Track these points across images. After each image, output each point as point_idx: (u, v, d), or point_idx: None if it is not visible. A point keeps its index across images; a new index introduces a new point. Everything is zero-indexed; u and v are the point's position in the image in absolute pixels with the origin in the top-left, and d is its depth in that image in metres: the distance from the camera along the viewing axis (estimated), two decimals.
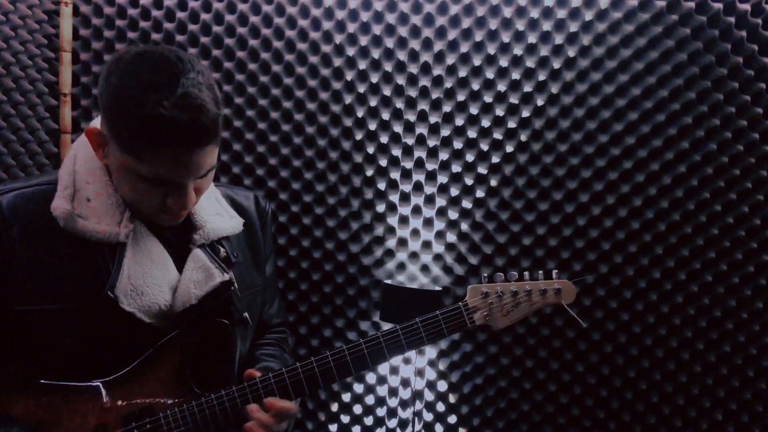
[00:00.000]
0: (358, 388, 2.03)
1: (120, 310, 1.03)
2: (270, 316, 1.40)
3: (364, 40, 1.86)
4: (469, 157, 1.88)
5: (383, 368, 2.02)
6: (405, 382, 2.01)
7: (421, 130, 1.89)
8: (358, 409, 2.05)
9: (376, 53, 1.86)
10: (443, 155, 1.89)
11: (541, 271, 1.23)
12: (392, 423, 2.04)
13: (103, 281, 1.03)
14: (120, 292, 1.03)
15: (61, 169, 1.09)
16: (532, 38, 1.80)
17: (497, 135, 1.86)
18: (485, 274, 1.22)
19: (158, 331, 1.08)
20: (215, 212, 1.20)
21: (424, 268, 1.96)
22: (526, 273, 1.22)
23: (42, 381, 1.04)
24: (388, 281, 1.92)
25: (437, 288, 1.92)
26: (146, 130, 0.92)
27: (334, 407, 2.06)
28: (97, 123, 1.06)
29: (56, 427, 1.03)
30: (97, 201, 1.05)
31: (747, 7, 1.68)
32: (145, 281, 1.07)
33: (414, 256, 1.96)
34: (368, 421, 2.05)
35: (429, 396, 2.00)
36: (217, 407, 1.09)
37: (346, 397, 2.05)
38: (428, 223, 1.94)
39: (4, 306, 1.01)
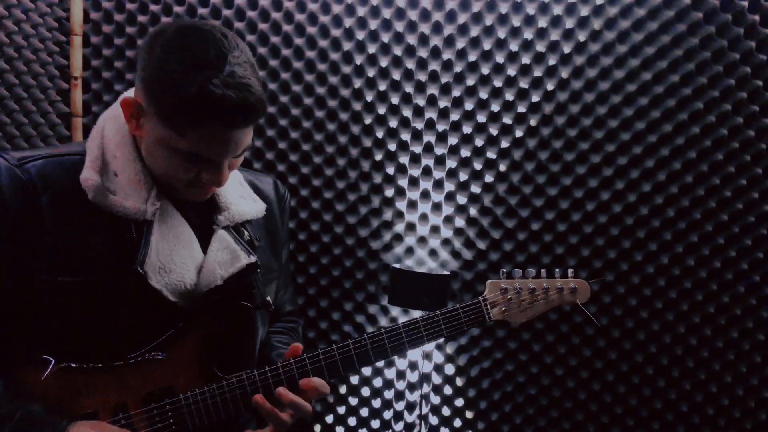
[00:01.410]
0: (366, 371, 2.05)
1: (147, 287, 1.03)
2: (283, 303, 1.40)
3: (374, 24, 1.86)
4: (479, 142, 1.88)
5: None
6: (413, 366, 2.03)
7: (431, 114, 1.89)
8: (366, 391, 2.07)
9: (386, 37, 1.86)
10: (452, 140, 1.89)
11: (558, 270, 1.24)
12: (399, 405, 2.06)
13: (130, 257, 1.03)
14: (149, 268, 1.03)
15: (89, 140, 1.08)
16: (542, 22, 1.79)
17: (507, 120, 1.86)
18: (503, 271, 1.23)
19: (181, 311, 1.08)
20: (239, 195, 1.21)
21: (432, 253, 1.97)
22: (543, 270, 1.24)
23: (61, 358, 1.03)
24: (397, 265, 1.93)
25: (445, 272, 1.93)
26: (193, 107, 0.92)
27: (342, 389, 2.08)
28: (131, 93, 1.05)
29: (76, 404, 1.03)
30: (125, 176, 1.05)
31: None
32: (173, 259, 1.07)
33: (422, 240, 1.97)
34: (376, 403, 2.07)
35: (437, 379, 2.02)
36: (238, 390, 1.09)
37: (354, 379, 2.07)
38: (437, 207, 1.95)
39: (30, 274, 1.00)
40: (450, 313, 1.19)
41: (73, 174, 1.03)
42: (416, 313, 1.95)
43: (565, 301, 1.24)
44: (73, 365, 1.03)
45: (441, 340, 1.22)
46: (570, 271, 1.25)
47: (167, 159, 1.01)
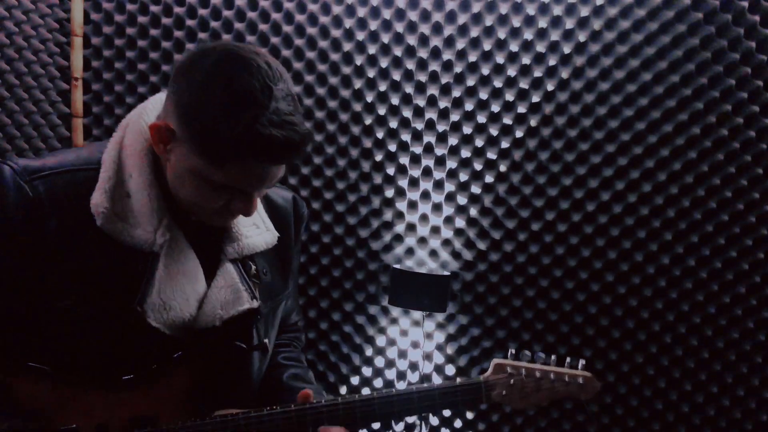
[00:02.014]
0: (367, 371, 2.05)
1: (144, 323, 1.02)
2: (288, 315, 1.38)
3: (374, 25, 1.86)
4: (479, 143, 1.88)
5: (392, 352, 2.03)
6: (413, 366, 2.03)
7: (431, 115, 1.89)
8: (366, 392, 2.07)
9: (386, 38, 1.86)
10: (452, 140, 1.89)
11: (568, 359, 1.17)
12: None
13: (132, 290, 1.00)
14: (148, 307, 1.01)
15: (105, 153, 1.02)
16: (542, 23, 1.79)
17: (507, 120, 1.86)
18: (512, 351, 1.17)
19: (176, 342, 1.07)
20: (252, 222, 1.15)
21: (433, 253, 1.97)
22: (553, 357, 1.16)
23: (52, 371, 1.02)
24: (397, 266, 1.93)
25: (445, 273, 1.93)
26: (237, 144, 0.88)
27: (343, 390, 2.08)
28: (156, 113, 1.01)
29: (60, 417, 1.02)
30: (137, 200, 1.00)
31: None
32: (174, 295, 1.04)
33: (422, 241, 1.97)
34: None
35: (437, 380, 2.02)
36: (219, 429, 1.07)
37: (355, 380, 2.07)
38: (437, 208, 1.95)
39: (29, 295, 0.98)
40: (448, 389, 1.14)
41: (84, 194, 0.98)
42: (416, 314, 1.95)
43: (568, 395, 1.15)
44: (63, 378, 1.03)
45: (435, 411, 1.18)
46: (581, 362, 1.16)
47: (198, 188, 0.97)
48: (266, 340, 1.14)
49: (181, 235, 1.06)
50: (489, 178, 1.89)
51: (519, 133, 1.85)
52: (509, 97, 1.84)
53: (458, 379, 1.15)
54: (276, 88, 0.90)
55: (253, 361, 1.18)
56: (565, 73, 1.80)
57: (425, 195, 1.94)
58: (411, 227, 1.97)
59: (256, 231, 1.15)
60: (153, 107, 1.05)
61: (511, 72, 1.83)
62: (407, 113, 1.90)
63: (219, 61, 0.90)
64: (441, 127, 1.90)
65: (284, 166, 1.00)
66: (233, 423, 1.07)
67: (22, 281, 0.98)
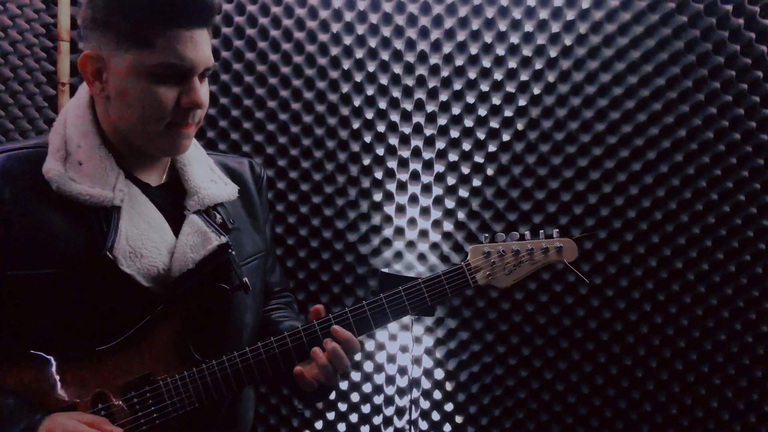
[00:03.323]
0: (356, 375, 2.05)
1: (118, 273, 1.02)
2: (272, 284, 1.39)
3: (361, 29, 1.86)
4: (466, 146, 1.88)
5: (380, 357, 2.03)
6: (402, 370, 2.02)
7: (418, 119, 1.89)
8: (355, 397, 2.06)
9: (373, 42, 1.86)
10: (440, 144, 1.90)
11: (542, 231, 1.22)
12: (389, 411, 2.05)
13: (99, 244, 1.01)
14: (119, 253, 1.02)
15: (51, 132, 1.07)
16: (528, 27, 1.80)
17: (494, 124, 1.86)
18: (486, 235, 1.21)
19: (156, 297, 1.07)
20: (209, 179, 1.19)
21: (421, 257, 1.97)
22: (527, 233, 1.21)
23: (35, 352, 1.02)
24: (385, 270, 1.93)
25: None
26: (153, 7, 0.95)
27: (331, 395, 2.07)
28: (84, 91, 1.06)
29: (54, 397, 1.01)
30: (90, 164, 1.04)
31: None
32: (144, 243, 1.05)
33: (411, 245, 1.97)
34: (365, 409, 2.06)
35: (426, 384, 2.01)
36: (218, 374, 1.08)
37: (344, 385, 2.06)
38: (425, 212, 1.95)
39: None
40: (433, 280, 1.17)
41: (35, 166, 1.02)
42: (405, 318, 1.94)
43: (551, 261, 1.20)
44: (48, 357, 1.02)
45: (426, 308, 1.19)
46: (556, 231, 1.21)
47: (143, 92, 1.00)
48: (245, 279, 1.14)
49: (139, 191, 1.10)
50: (477, 182, 1.89)
51: (506, 137, 1.86)
52: (496, 100, 1.84)
53: (440, 271, 1.18)
54: None
55: (238, 303, 1.18)
56: (552, 77, 1.81)
57: (413, 199, 1.94)
58: (399, 231, 1.97)
59: (213, 185, 1.19)
60: (83, 87, 1.11)
61: (498, 76, 1.83)
62: (395, 117, 1.90)
63: None
64: (429, 131, 1.90)
65: (209, 42, 1.04)
66: (230, 364, 1.08)
67: None
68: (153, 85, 0.99)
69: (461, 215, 1.92)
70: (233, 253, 1.13)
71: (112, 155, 1.07)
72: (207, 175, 1.19)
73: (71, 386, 1.02)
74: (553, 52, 1.79)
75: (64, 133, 1.06)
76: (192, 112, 1.05)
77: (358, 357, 1.99)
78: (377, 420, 2.06)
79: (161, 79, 0.99)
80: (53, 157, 1.03)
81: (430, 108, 1.88)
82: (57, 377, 1.02)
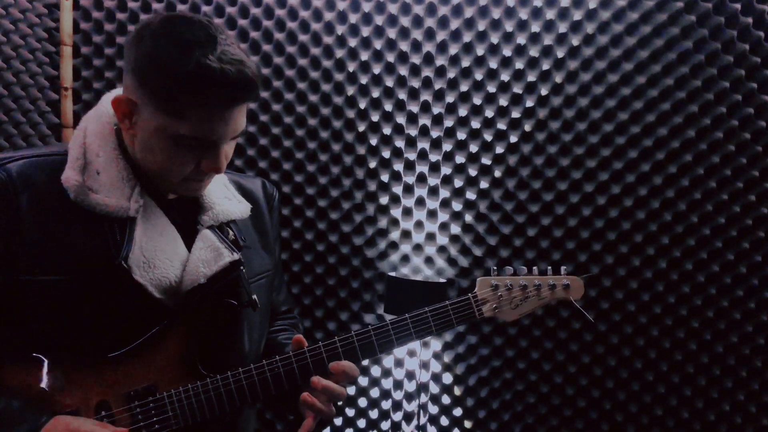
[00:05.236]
0: (363, 380, 2.03)
1: (131, 282, 1.02)
2: (279, 304, 1.40)
3: (366, 31, 1.85)
4: (473, 148, 1.86)
5: (388, 361, 2.01)
6: (410, 375, 2.00)
7: (424, 121, 1.88)
8: (363, 402, 2.04)
9: (378, 44, 1.85)
10: (447, 146, 1.88)
11: (549, 267, 1.22)
12: (397, 416, 2.03)
13: (113, 254, 1.02)
14: (133, 263, 1.02)
15: (71, 141, 1.07)
16: (535, 27, 1.79)
17: (501, 125, 1.84)
18: (494, 267, 1.21)
19: (166, 309, 1.07)
20: (224, 196, 1.20)
21: (429, 260, 1.95)
22: (535, 268, 1.21)
23: (42, 356, 1.02)
24: (393, 273, 1.91)
25: (441, 280, 1.91)
26: (192, 84, 0.93)
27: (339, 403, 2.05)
28: (119, 92, 1.05)
29: (58, 402, 1.01)
30: (107, 174, 1.04)
31: None
32: (157, 254, 1.06)
33: (418, 248, 1.95)
34: (373, 414, 2.04)
35: (434, 388, 2.00)
36: (222, 389, 1.08)
37: (351, 390, 2.04)
38: (432, 214, 1.93)
39: (10, 275, 0.99)
40: (439, 310, 1.18)
41: (54, 174, 1.03)
42: None
43: (557, 298, 1.22)
44: (55, 362, 1.02)
45: (431, 336, 1.19)
46: (563, 268, 1.22)
47: (167, 150, 1.00)
48: (254, 297, 1.14)
49: (154, 204, 1.10)
50: (484, 184, 1.88)
51: (513, 138, 1.84)
52: (503, 102, 1.83)
53: (447, 301, 1.18)
54: (220, 36, 0.96)
55: (245, 320, 1.18)
56: (558, 78, 1.79)
57: (420, 201, 1.93)
58: (406, 234, 1.96)
59: (227, 202, 1.20)
60: (108, 99, 1.10)
61: (505, 77, 1.82)
62: (401, 119, 1.89)
63: (163, 23, 0.97)
64: (435, 133, 1.88)
65: (244, 114, 1.03)
66: (234, 380, 1.08)
67: (2, 262, 0.99)
68: (176, 148, 1.00)
69: (468, 218, 1.90)
70: (244, 270, 1.14)
71: (130, 166, 1.07)
72: (221, 192, 1.21)
73: (76, 392, 1.03)
74: (560, 53, 1.78)
75: (83, 141, 1.07)
76: (211, 173, 1.07)
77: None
78: (385, 425, 2.04)
79: (186, 145, 1.00)
80: (72, 167, 1.03)
81: (436, 110, 1.87)
82: (62, 382, 1.02)
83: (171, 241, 1.09)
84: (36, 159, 1.05)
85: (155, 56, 0.94)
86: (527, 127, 1.82)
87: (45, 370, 1.01)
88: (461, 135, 1.87)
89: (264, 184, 1.35)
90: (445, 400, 2.00)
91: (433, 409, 2.01)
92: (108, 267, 1.01)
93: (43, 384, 1.01)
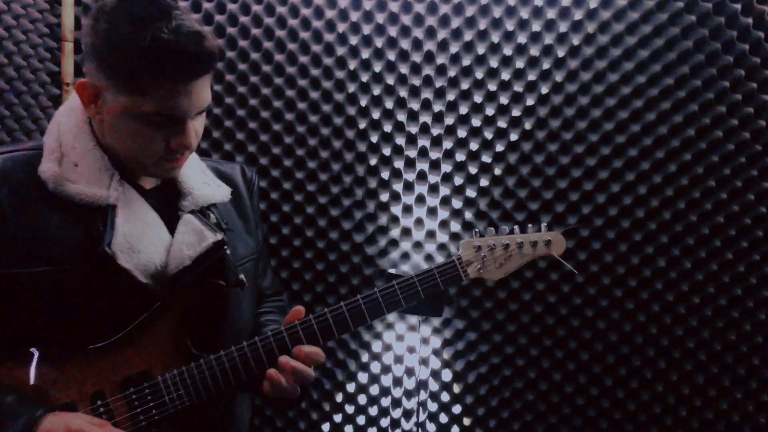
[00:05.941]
0: (363, 377, 2.03)
1: (116, 268, 1.02)
2: (264, 288, 1.41)
3: (367, 29, 1.85)
4: (474, 146, 1.87)
5: (387, 358, 2.01)
6: (409, 372, 2.01)
7: (425, 118, 1.88)
8: (362, 399, 2.05)
9: (379, 42, 1.86)
10: (447, 144, 1.89)
11: (530, 225, 1.25)
12: (396, 413, 2.03)
13: (96, 241, 1.02)
14: (117, 248, 1.02)
15: (45, 135, 1.08)
16: (536, 26, 1.80)
17: (501, 123, 1.85)
18: (476, 230, 1.23)
19: (153, 294, 1.07)
20: (202, 181, 1.21)
21: (429, 258, 1.96)
22: (517, 227, 1.23)
23: (33, 349, 1.02)
24: (392, 270, 1.92)
25: None
26: (150, 60, 0.93)
27: (339, 397, 2.06)
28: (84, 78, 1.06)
29: (53, 394, 1.02)
30: (85, 165, 1.05)
31: None
32: (140, 239, 1.06)
33: (418, 245, 1.96)
34: (373, 411, 2.05)
35: (433, 386, 2.00)
36: (216, 368, 1.08)
37: (351, 387, 2.04)
38: (432, 212, 1.94)
39: None
40: (425, 274, 1.18)
41: (31, 168, 1.03)
42: (412, 319, 1.93)
43: (540, 254, 1.24)
44: (46, 355, 1.02)
45: (419, 301, 1.20)
46: (544, 225, 1.24)
47: (134, 131, 1.00)
48: (241, 276, 1.16)
49: (134, 191, 1.11)
50: (484, 182, 1.88)
51: (514, 136, 1.85)
52: (503, 100, 1.84)
53: (432, 266, 1.19)
54: (174, 11, 0.96)
55: (233, 300, 1.19)
56: (559, 77, 1.80)
57: (420, 199, 1.93)
58: (406, 231, 1.96)
59: (206, 186, 1.21)
60: (76, 94, 1.11)
61: (505, 75, 1.83)
62: (401, 117, 1.89)
63: (117, 2, 0.97)
64: (435, 131, 1.89)
65: (208, 86, 1.03)
66: (227, 358, 1.09)
67: None
68: (143, 127, 1.00)
69: (468, 215, 1.90)
70: (228, 250, 1.15)
71: (107, 156, 1.08)
72: (200, 177, 1.22)
73: (70, 383, 1.03)
74: (560, 52, 1.79)
75: (58, 135, 1.07)
76: (182, 150, 1.06)
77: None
78: (384, 422, 2.05)
79: (152, 123, 1.00)
80: (48, 158, 1.04)
81: (437, 108, 1.87)
82: (56, 374, 1.03)
83: (153, 226, 1.10)
84: (12, 154, 1.05)
85: (111, 36, 0.94)
86: (527, 126, 1.83)
87: (37, 363, 1.02)
88: (462, 133, 1.87)
89: (243, 169, 1.36)
90: (444, 397, 2.00)
91: (432, 407, 2.01)
92: (92, 255, 1.01)
93: (36, 378, 1.01)
